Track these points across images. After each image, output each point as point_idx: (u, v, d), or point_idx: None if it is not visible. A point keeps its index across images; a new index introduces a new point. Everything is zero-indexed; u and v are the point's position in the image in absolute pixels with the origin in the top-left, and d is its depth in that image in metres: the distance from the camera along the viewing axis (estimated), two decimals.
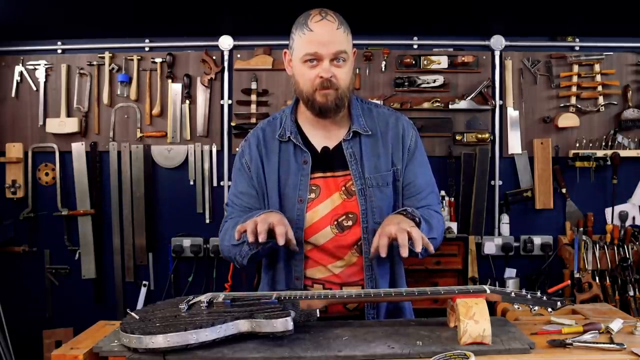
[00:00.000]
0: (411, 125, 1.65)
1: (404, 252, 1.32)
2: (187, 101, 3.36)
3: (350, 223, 1.55)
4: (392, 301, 1.53)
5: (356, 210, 1.55)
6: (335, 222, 1.55)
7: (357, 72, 3.33)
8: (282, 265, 1.58)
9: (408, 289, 1.39)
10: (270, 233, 1.38)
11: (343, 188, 1.56)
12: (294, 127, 1.60)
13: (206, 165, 3.38)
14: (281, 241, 1.37)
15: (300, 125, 1.62)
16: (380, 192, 1.55)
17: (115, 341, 1.28)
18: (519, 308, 1.33)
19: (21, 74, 3.38)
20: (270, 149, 1.61)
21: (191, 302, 1.39)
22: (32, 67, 3.38)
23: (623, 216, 3.32)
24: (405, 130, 1.61)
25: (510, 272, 3.32)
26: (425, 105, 3.30)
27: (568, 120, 3.29)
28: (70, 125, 3.35)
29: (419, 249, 1.35)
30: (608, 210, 3.31)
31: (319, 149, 1.59)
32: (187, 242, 3.32)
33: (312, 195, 1.56)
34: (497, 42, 3.32)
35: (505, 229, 3.33)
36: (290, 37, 1.55)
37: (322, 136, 1.60)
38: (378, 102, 1.71)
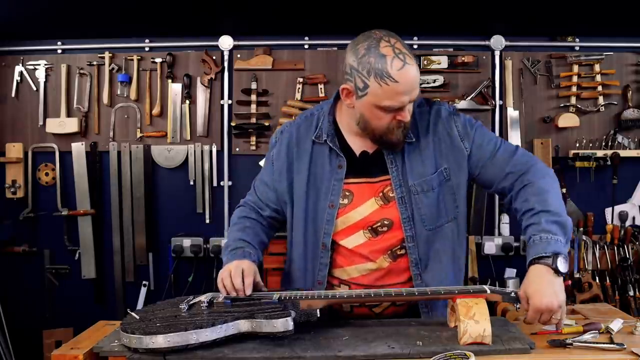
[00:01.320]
0: (450, 112, 1.55)
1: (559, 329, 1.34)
2: (187, 101, 3.36)
3: (385, 229, 1.51)
4: (392, 301, 1.52)
5: (393, 216, 1.50)
6: (369, 228, 1.51)
7: None
8: (302, 266, 1.57)
9: (408, 289, 1.39)
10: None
11: (380, 194, 1.51)
12: (332, 129, 1.54)
13: (206, 165, 3.37)
14: (248, 292, 1.40)
15: (339, 126, 1.55)
16: (426, 198, 1.49)
17: (116, 341, 1.29)
18: (519, 308, 1.33)
19: (21, 74, 3.38)
20: (303, 148, 1.57)
21: (191, 302, 1.39)
22: (32, 67, 3.38)
23: (623, 216, 3.32)
24: (446, 125, 1.52)
25: (510, 272, 3.32)
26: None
27: (568, 120, 3.29)
28: (70, 125, 3.35)
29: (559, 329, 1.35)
30: (608, 210, 3.31)
31: (357, 152, 1.53)
32: (187, 242, 3.32)
33: (345, 201, 1.51)
34: (497, 42, 3.32)
35: (505, 229, 3.33)
36: (351, 72, 1.40)
37: (362, 140, 1.53)
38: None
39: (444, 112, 1.55)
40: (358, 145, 1.54)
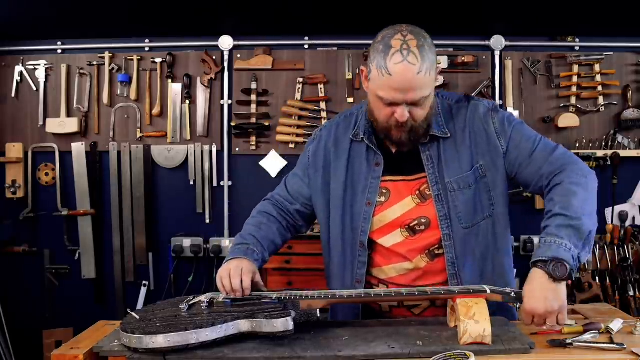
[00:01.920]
0: (489, 109, 1.52)
1: (557, 329, 1.30)
2: (187, 101, 3.36)
3: (422, 227, 1.48)
4: (392, 301, 1.52)
5: (430, 214, 1.48)
6: (407, 227, 1.49)
7: (357, 72, 3.34)
8: (340, 266, 1.56)
9: (408, 289, 1.39)
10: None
11: (417, 192, 1.49)
12: (369, 128, 1.53)
13: (206, 165, 3.37)
14: (247, 292, 1.40)
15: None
16: (463, 195, 1.46)
17: (116, 341, 1.29)
18: (519, 308, 1.33)
19: (21, 74, 3.38)
20: (341, 147, 1.57)
21: (191, 302, 1.39)
22: (32, 67, 3.38)
23: (623, 216, 3.32)
24: (484, 121, 1.49)
25: None
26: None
27: (568, 120, 3.29)
28: (70, 125, 3.35)
29: (557, 329, 1.31)
30: (608, 210, 3.31)
31: (393, 150, 1.52)
32: (187, 242, 3.32)
33: (382, 199, 1.50)
34: (497, 42, 3.32)
35: None
36: (370, 53, 1.40)
37: None
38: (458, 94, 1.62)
39: (482, 109, 1.52)
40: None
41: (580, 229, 1.31)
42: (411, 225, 1.49)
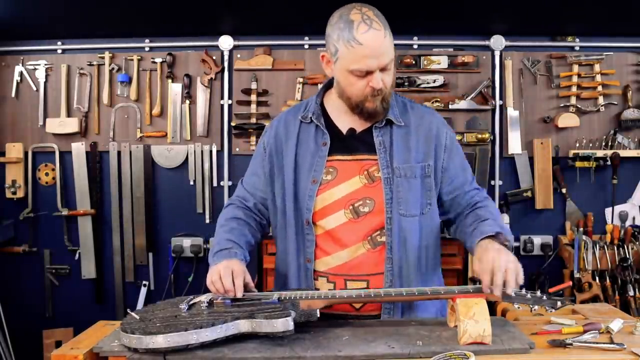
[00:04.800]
0: (445, 123, 1.63)
1: (497, 292, 1.31)
2: (187, 101, 3.36)
3: (366, 209, 1.53)
4: (392, 301, 1.52)
5: (376, 197, 1.52)
6: (351, 207, 1.53)
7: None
8: (293, 247, 1.59)
9: (408, 289, 1.39)
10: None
11: (365, 172, 1.54)
12: (318, 110, 1.60)
13: (206, 165, 3.38)
14: (239, 294, 1.41)
15: (327, 109, 1.62)
16: (407, 183, 1.53)
17: (116, 341, 1.29)
18: (519, 308, 1.33)
19: (21, 74, 3.38)
20: (291, 130, 1.62)
21: (191, 302, 1.39)
22: (32, 67, 3.37)
23: (623, 216, 3.32)
24: (439, 129, 1.59)
25: None
26: (425, 105, 3.30)
27: (568, 120, 3.29)
28: (70, 125, 3.35)
29: (508, 291, 1.32)
30: (608, 210, 3.31)
31: (344, 130, 1.58)
32: (187, 242, 3.32)
33: (328, 177, 1.55)
34: (497, 42, 3.32)
35: (505, 229, 3.32)
36: (327, 40, 1.49)
37: (351, 120, 1.58)
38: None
39: (439, 117, 1.63)
40: (346, 123, 1.58)
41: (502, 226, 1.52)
42: (355, 205, 1.53)
